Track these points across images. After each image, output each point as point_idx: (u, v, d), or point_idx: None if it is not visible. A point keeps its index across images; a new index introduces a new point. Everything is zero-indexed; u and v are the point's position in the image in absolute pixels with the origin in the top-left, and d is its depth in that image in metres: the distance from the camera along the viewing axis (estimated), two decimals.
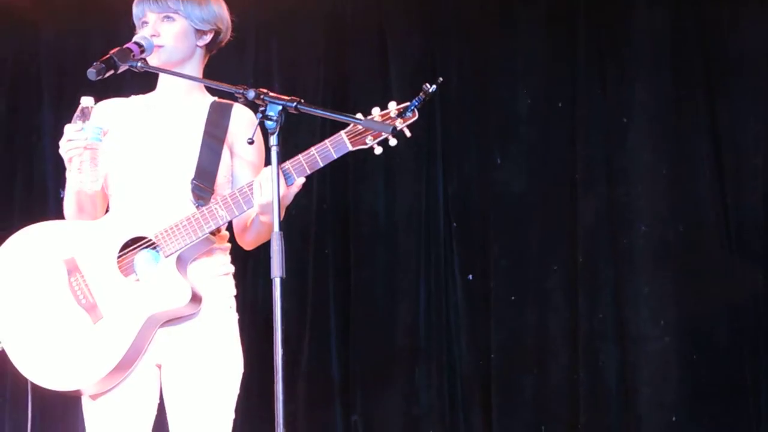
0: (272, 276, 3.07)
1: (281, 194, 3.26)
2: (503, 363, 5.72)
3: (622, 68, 5.68)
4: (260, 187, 3.35)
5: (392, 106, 3.34)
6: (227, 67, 6.02)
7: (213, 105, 3.63)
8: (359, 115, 3.29)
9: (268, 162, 3.27)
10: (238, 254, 3.72)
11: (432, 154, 5.93)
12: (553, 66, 5.81)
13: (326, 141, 3.36)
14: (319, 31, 6.09)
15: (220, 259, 3.62)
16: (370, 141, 3.34)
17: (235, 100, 3.32)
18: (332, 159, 3.37)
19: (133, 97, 3.73)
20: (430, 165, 5.91)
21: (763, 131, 5.50)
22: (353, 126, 3.33)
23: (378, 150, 3.34)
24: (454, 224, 5.87)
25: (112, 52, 3.40)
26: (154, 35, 3.56)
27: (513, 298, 5.73)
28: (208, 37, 3.66)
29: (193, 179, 3.50)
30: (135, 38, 3.51)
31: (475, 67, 5.91)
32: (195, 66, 3.65)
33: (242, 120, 3.62)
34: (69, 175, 3.41)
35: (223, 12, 3.70)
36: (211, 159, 3.52)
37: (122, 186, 3.58)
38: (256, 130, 3.27)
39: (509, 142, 5.83)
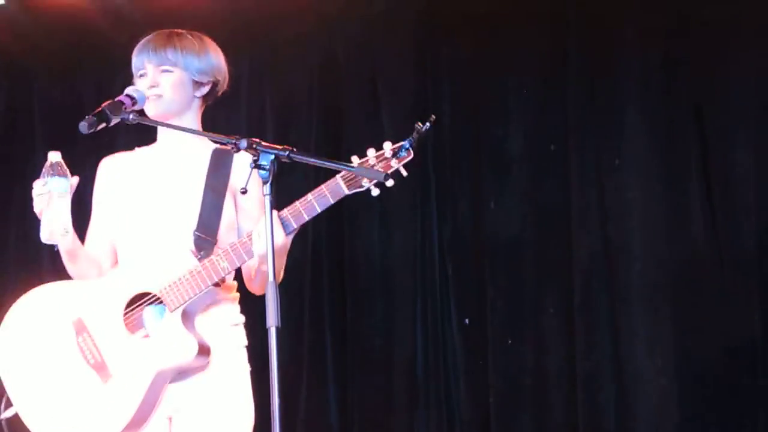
0: (267, 326, 3.07)
1: (281, 243, 3.29)
2: (502, 406, 5.70)
3: (613, 110, 5.69)
4: (258, 237, 3.34)
5: (387, 147, 3.34)
6: (220, 113, 6.07)
7: (215, 152, 3.63)
8: (355, 159, 3.30)
9: None
10: (249, 303, 3.70)
11: (426, 197, 5.94)
12: (545, 108, 5.82)
13: (322, 186, 3.36)
14: (312, 74, 6.12)
15: (229, 309, 3.61)
16: (366, 183, 3.34)
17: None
18: (329, 204, 3.37)
19: (138, 150, 3.75)
20: (424, 208, 5.92)
21: (754, 166, 5.51)
22: (346, 172, 3.33)
23: (375, 192, 3.33)
24: (450, 268, 5.86)
25: (104, 104, 3.40)
26: (153, 86, 3.59)
27: (510, 341, 5.72)
28: (206, 88, 3.69)
29: (195, 230, 3.50)
30: (127, 91, 3.52)
31: (467, 109, 5.93)
32: (192, 116, 3.67)
33: (244, 167, 3.57)
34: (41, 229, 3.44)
35: (221, 63, 3.73)
36: (213, 209, 3.53)
37: (127, 241, 3.60)
38: (249, 179, 3.25)
39: (502, 184, 5.83)
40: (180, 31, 3.69)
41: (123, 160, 3.74)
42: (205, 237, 3.49)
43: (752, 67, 5.45)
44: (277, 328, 3.06)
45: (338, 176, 3.35)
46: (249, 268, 3.56)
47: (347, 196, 3.38)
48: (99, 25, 6.06)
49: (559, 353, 5.66)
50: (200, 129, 3.69)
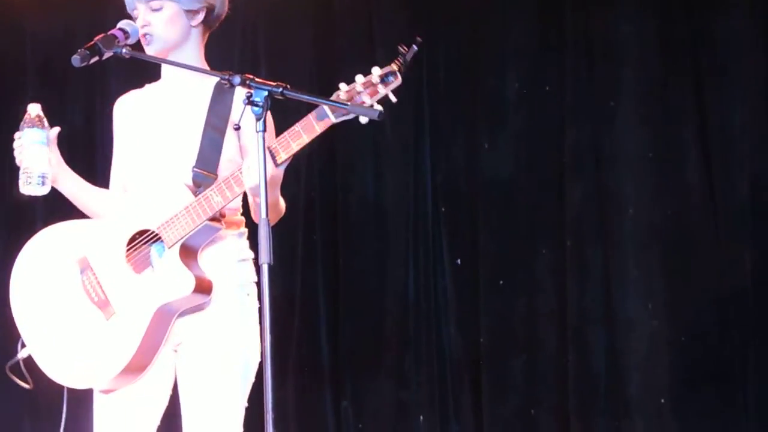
0: (260, 262, 3.05)
1: (270, 174, 3.24)
2: (492, 347, 5.73)
3: (611, 52, 5.67)
4: (248, 170, 3.31)
5: (375, 72, 3.29)
6: (214, 55, 6.03)
7: (217, 87, 3.58)
8: (342, 86, 3.25)
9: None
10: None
11: (420, 140, 5.93)
12: (540, 50, 5.80)
13: (309, 115, 3.31)
14: (307, 17, 6.08)
15: (235, 244, 3.58)
16: (352, 109, 3.24)
17: (222, 85, 3.30)
18: (317, 133, 3.30)
19: (147, 87, 3.74)
20: (418, 151, 5.91)
21: (750, 117, 5.50)
22: (336, 97, 3.28)
23: (363, 120, 3.23)
24: (443, 209, 5.87)
25: (96, 38, 3.38)
26: (144, 26, 3.54)
27: (501, 282, 5.73)
28: (201, 15, 3.62)
29: (195, 167, 3.48)
30: (120, 24, 3.48)
31: (462, 53, 5.91)
32: (193, 47, 3.63)
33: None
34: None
35: None
36: (213, 144, 3.50)
37: (133, 179, 3.61)
38: (243, 115, 3.20)
39: (497, 127, 5.82)
40: None
41: (133, 99, 3.72)
42: (205, 173, 3.47)
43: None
44: (270, 265, 3.04)
45: (324, 105, 3.29)
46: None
47: (335, 125, 3.32)
48: None
49: (550, 295, 5.68)
50: (203, 59, 3.66)
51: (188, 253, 3.44)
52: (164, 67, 3.69)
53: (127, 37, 3.45)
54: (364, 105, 3.27)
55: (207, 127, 3.52)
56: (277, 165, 3.32)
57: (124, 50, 3.39)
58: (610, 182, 5.66)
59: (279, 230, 3.20)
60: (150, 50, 3.56)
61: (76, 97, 6.12)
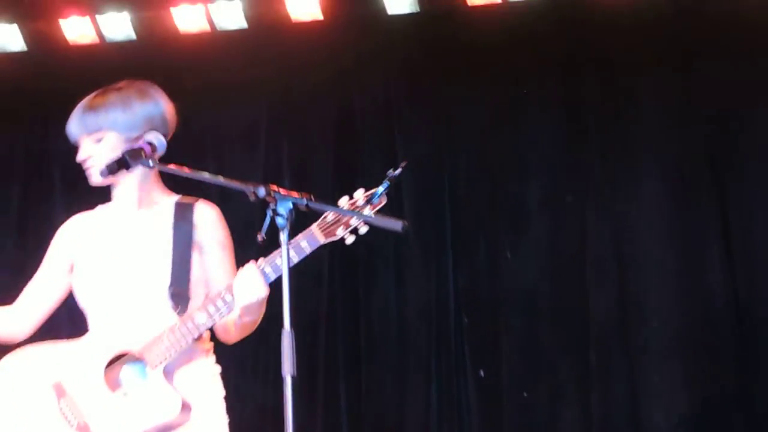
0: (284, 374, 3.03)
1: (264, 295, 3.26)
2: None
3: (631, 162, 5.69)
4: (242, 288, 3.29)
5: (359, 194, 3.29)
6: (237, 163, 6.10)
7: (177, 206, 3.54)
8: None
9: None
10: (248, 351, 3.66)
11: (442, 249, 5.93)
12: (562, 160, 5.83)
13: (298, 236, 3.29)
14: (329, 127, 6.13)
15: (204, 362, 3.53)
16: (341, 231, 3.29)
17: (246, 197, 3.29)
18: (306, 254, 3.30)
19: (99, 208, 3.65)
20: (440, 259, 5.91)
21: None
22: (323, 219, 3.29)
23: (350, 239, 3.27)
24: (465, 318, 5.84)
25: (123, 151, 3.41)
26: (87, 158, 3.50)
27: (525, 394, 5.68)
28: (148, 138, 3.51)
29: (170, 287, 3.43)
30: (147, 137, 3.50)
31: (484, 160, 5.94)
32: (144, 172, 3.53)
33: (206, 218, 3.54)
34: None
35: (153, 108, 3.57)
36: (183, 264, 3.45)
37: (99, 302, 3.51)
38: (266, 225, 3.19)
39: (519, 234, 5.82)
40: (103, 90, 3.56)
41: (83, 222, 3.63)
42: (180, 292, 3.43)
43: None
44: (293, 377, 3.02)
45: (314, 225, 3.30)
46: (225, 320, 3.46)
47: (323, 246, 3.31)
48: (116, 68, 6.08)
49: (574, 407, 5.62)
50: (154, 181, 3.57)
51: (168, 374, 3.38)
52: (117, 188, 3.59)
53: (154, 150, 3.46)
54: (351, 226, 3.27)
55: (175, 247, 3.47)
56: (267, 284, 3.30)
57: (150, 163, 3.41)
58: (633, 291, 5.63)
59: (299, 339, 3.18)
60: (94, 181, 3.51)
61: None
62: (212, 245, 3.51)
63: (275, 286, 3.24)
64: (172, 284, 3.43)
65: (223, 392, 3.56)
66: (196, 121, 6.16)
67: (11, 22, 5.98)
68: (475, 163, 5.95)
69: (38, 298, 3.63)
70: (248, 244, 3.44)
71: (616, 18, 5.60)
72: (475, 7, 5.70)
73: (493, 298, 5.82)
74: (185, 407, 3.38)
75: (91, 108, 3.51)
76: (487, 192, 5.91)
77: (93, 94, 3.55)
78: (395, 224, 3.15)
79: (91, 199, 6.00)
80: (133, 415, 3.36)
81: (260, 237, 3.19)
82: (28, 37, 6.05)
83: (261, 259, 3.32)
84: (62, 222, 3.67)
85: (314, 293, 5.89)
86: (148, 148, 3.44)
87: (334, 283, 5.99)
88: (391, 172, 3.21)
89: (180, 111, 6.25)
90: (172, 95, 5.84)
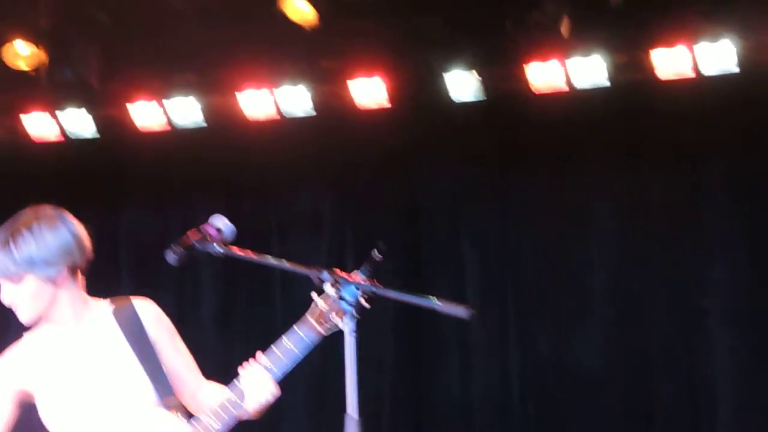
0: None
1: (277, 393, 3.20)
2: None
3: (700, 250, 5.64)
4: (252, 393, 3.21)
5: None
6: (302, 248, 6.13)
7: (116, 314, 3.40)
8: (314, 295, 3.21)
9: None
10: None
11: (506, 335, 5.88)
12: (627, 245, 5.79)
13: (295, 327, 3.21)
14: (394, 213, 6.15)
15: None
16: (334, 318, 3.17)
17: (311, 282, 3.27)
18: (308, 345, 3.21)
19: (28, 336, 3.43)
20: (504, 346, 5.86)
21: None
22: (314, 308, 3.19)
23: (348, 327, 3.14)
24: (529, 403, 5.77)
25: (190, 235, 3.41)
26: (11, 302, 3.33)
27: None
28: (64, 273, 3.33)
29: (161, 399, 3.32)
30: (212, 222, 3.49)
31: (549, 247, 5.91)
32: (67, 300, 3.37)
33: (149, 314, 3.42)
34: None
35: (67, 239, 3.36)
36: (156, 369, 3.34)
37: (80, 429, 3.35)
38: (328, 315, 3.15)
39: (584, 323, 5.77)
40: (12, 232, 3.29)
41: (22, 354, 3.41)
42: (171, 401, 3.32)
43: None
44: None
45: (308, 315, 3.20)
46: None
47: (324, 337, 3.20)
48: (184, 153, 6.19)
49: None
50: (80, 299, 3.38)
51: None
52: (48, 310, 3.36)
53: (220, 234, 3.45)
54: (345, 313, 3.16)
55: (141, 358, 3.35)
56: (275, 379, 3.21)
57: (217, 247, 3.41)
58: (700, 380, 5.54)
59: (364, 429, 3.14)
60: (23, 321, 3.34)
61: (166, 288, 6.18)
62: (165, 338, 3.40)
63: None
64: (161, 396, 3.32)
65: None
66: (261, 205, 6.22)
67: (81, 107, 6.10)
68: (539, 250, 5.92)
69: None
70: None
71: (678, 103, 5.58)
72: (540, 94, 5.71)
73: (559, 385, 5.75)
74: None
75: (3, 249, 3.28)
76: (552, 279, 5.88)
77: (1, 231, 3.31)
78: (461, 311, 3.14)
79: (159, 280, 6.06)
80: None
81: (329, 325, 3.17)
82: (99, 124, 6.16)
83: (263, 358, 3.22)
84: None
85: (376, 379, 5.85)
86: (215, 233, 3.43)
87: (398, 369, 5.95)
88: (373, 253, 3.17)
89: (246, 195, 6.32)
90: (238, 180, 5.95)
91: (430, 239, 6.09)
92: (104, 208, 6.46)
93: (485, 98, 5.81)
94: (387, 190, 6.17)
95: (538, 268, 5.91)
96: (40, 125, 6.17)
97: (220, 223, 3.48)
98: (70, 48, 5.65)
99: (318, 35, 5.59)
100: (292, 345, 3.19)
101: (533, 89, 5.72)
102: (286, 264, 3.51)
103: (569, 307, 5.83)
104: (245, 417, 3.28)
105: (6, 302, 3.33)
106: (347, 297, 3.12)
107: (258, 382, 3.19)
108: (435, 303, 3.20)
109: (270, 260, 3.52)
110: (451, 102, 5.82)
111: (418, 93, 5.86)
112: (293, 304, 5.95)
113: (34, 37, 5.63)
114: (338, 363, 3.17)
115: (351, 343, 3.08)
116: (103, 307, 3.41)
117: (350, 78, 5.80)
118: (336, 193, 6.24)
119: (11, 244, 3.28)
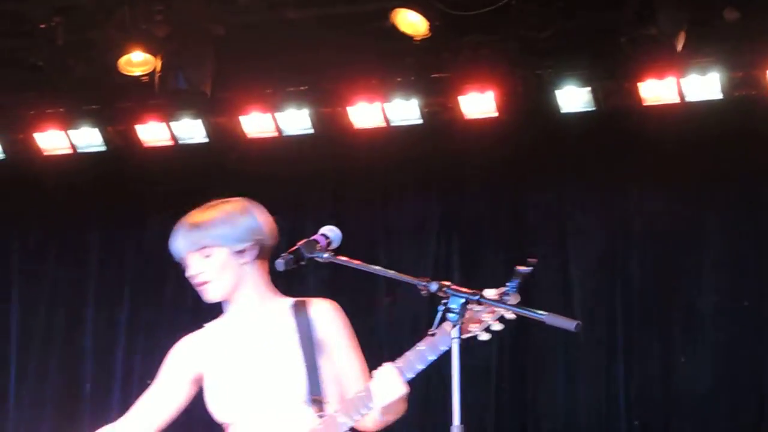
0: None
1: (404, 393, 3.25)
2: None
3: None
4: (380, 389, 3.28)
5: (490, 293, 3.18)
6: (408, 257, 6.15)
7: (293, 309, 3.54)
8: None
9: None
10: None
11: (613, 351, 5.82)
12: (739, 262, 5.69)
13: (432, 337, 3.25)
14: (501, 224, 6.14)
15: None
16: (474, 329, 3.19)
17: (419, 291, 3.29)
18: (441, 353, 3.24)
19: (209, 326, 3.64)
20: (611, 361, 5.80)
21: None
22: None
23: (484, 336, 3.18)
24: (636, 423, 5.70)
25: (299, 243, 3.45)
26: (198, 274, 3.51)
27: None
28: (254, 252, 3.54)
29: (308, 392, 3.44)
30: (322, 230, 3.54)
31: (658, 263, 5.84)
32: (254, 281, 3.55)
33: (322, 315, 3.53)
34: None
35: (257, 220, 3.59)
36: (315, 366, 3.45)
37: (238, 413, 3.51)
38: (438, 321, 3.17)
39: (694, 339, 5.69)
40: (205, 209, 3.58)
41: (203, 338, 3.62)
42: (317, 398, 3.43)
43: None
44: None
45: (446, 324, 3.20)
46: (365, 419, 3.42)
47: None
48: (292, 162, 6.27)
49: None
50: (267, 289, 3.57)
51: None
52: (229, 303, 3.58)
53: (329, 243, 3.49)
54: (483, 323, 3.18)
55: (304, 352, 3.47)
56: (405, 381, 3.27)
57: (325, 255, 3.42)
58: None
59: None
60: (210, 298, 3.53)
61: None
62: (336, 342, 3.49)
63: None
64: (309, 391, 3.44)
65: None
66: (368, 214, 6.26)
67: (196, 117, 6.21)
68: (648, 265, 5.86)
69: (153, 411, 3.62)
70: (416, 337, 3.44)
71: None
72: (652, 107, 5.66)
73: (666, 403, 5.67)
74: None
75: (196, 227, 3.52)
76: (661, 295, 5.81)
77: (193, 213, 3.58)
78: (569, 324, 3.11)
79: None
80: None
81: (430, 333, 3.19)
82: (210, 131, 6.27)
83: (398, 359, 3.29)
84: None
85: (481, 391, 5.84)
86: (323, 241, 3.47)
87: (502, 382, 5.93)
88: (520, 269, 3.15)
89: (353, 203, 6.37)
90: (346, 189, 6.01)
91: (537, 250, 6.06)
92: None
93: (596, 109, 5.77)
94: (493, 201, 6.15)
95: (647, 283, 5.84)
96: (153, 132, 6.30)
97: (329, 231, 3.53)
98: (185, 58, 5.76)
99: (429, 48, 5.62)
100: (425, 349, 3.24)
101: (644, 102, 5.67)
102: (393, 273, 3.54)
103: (678, 324, 5.75)
104: (375, 415, 3.35)
105: (192, 273, 3.51)
106: (454, 308, 3.10)
107: (388, 382, 3.26)
108: (542, 315, 3.18)
109: (377, 269, 3.55)
110: (560, 115, 5.79)
111: (528, 105, 5.85)
112: (397, 311, 5.99)
113: (150, 47, 5.75)
114: (443, 374, 3.19)
115: (456, 353, 3.06)
116: (286, 302, 3.56)
117: (460, 90, 5.82)
118: (443, 203, 6.25)
119: (204, 220, 3.53)
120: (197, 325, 5.93)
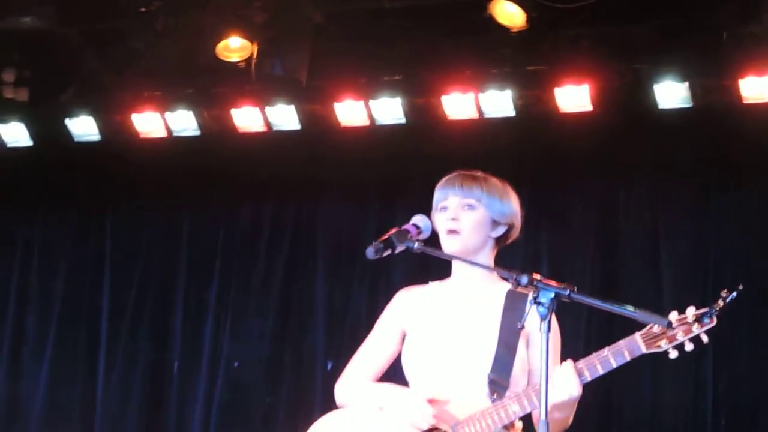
0: None
1: (576, 394, 3.32)
2: None
3: None
4: (560, 386, 3.34)
5: (690, 312, 3.30)
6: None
7: (509, 294, 3.61)
8: (673, 314, 3.23)
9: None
10: None
11: (702, 352, 5.73)
12: None
13: (620, 342, 3.34)
14: (592, 219, 6.08)
15: None
16: (664, 345, 3.29)
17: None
18: (625, 361, 3.34)
19: (431, 285, 3.77)
20: (699, 362, 5.72)
21: None
22: (648, 329, 3.30)
23: (673, 354, 3.27)
24: (723, 421, 5.62)
25: (390, 232, 3.44)
26: (453, 219, 3.62)
27: None
28: (502, 230, 3.69)
29: (490, 373, 3.50)
30: (413, 220, 3.55)
31: (751, 263, 5.74)
32: (486, 255, 3.68)
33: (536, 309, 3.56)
34: None
35: (519, 210, 3.75)
36: (508, 353, 3.51)
37: (422, 375, 3.61)
38: (526, 316, 3.20)
39: None
40: (483, 174, 3.75)
41: (420, 295, 3.76)
42: (498, 380, 3.48)
43: None
44: None
45: (637, 334, 3.32)
46: (536, 413, 3.48)
47: (644, 355, 3.32)
48: (385, 149, 6.27)
49: None
50: (491, 268, 3.67)
51: None
52: (456, 268, 3.73)
53: (419, 233, 3.49)
54: (676, 341, 3.30)
55: (501, 334, 3.53)
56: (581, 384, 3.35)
57: (416, 245, 3.43)
58: None
59: None
60: (451, 246, 3.61)
61: (361, 282, 6.29)
62: (535, 336, 3.48)
63: None
64: (492, 370, 3.50)
65: None
66: None
67: (289, 103, 6.24)
68: (741, 265, 5.76)
69: (372, 363, 3.77)
70: None
71: None
72: (752, 105, 5.56)
73: (755, 403, 5.58)
74: None
75: (476, 183, 3.68)
76: (753, 296, 5.70)
77: (471, 172, 3.73)
78: (659, 320, 3.12)
79: (354, 274, 6.14)
80: None
81: (520, 325, 3.20)
82: (303, 118, 6.30)
83: (581, 360, 3.37)
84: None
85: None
86: (414, 230, 3.49)
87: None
88: (725, 294, 3.23)
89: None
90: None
91: (627, 246, 6.00)
92: (303, 200, 6.61)
93: (693, 105, 5.69)
94: (585, 196, 6.10)
95: (739, 281, 5.73)
96: (248, 118, 6.35)
97: (420, 220, 3.55)
98: (282, 45, 5.79)
99: (525, 39, 5.59)
100: (611, 356, 3.34)
101: (744, 100, 5.57)
102: (484, 265, 3.55)
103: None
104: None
105: (449, 217, 3.65)
106: (544, 301, 3.11)
107: (564, 380, 3.34)
108: (632, 311, 3.16)
109: (465, 261, 3.57)
110: (657, 110, 5.72)
111: (624, 99, 5.79)
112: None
113: (248, 33, 5.79)
114: None
115: (545, 344, 3.06)
116: (503, 285, 3.64)
117: (557, 82, 5.77)
118: (533, 196, 6.20)
119: (481, 179, 3.70)
120: (285, 308, 6.00)
